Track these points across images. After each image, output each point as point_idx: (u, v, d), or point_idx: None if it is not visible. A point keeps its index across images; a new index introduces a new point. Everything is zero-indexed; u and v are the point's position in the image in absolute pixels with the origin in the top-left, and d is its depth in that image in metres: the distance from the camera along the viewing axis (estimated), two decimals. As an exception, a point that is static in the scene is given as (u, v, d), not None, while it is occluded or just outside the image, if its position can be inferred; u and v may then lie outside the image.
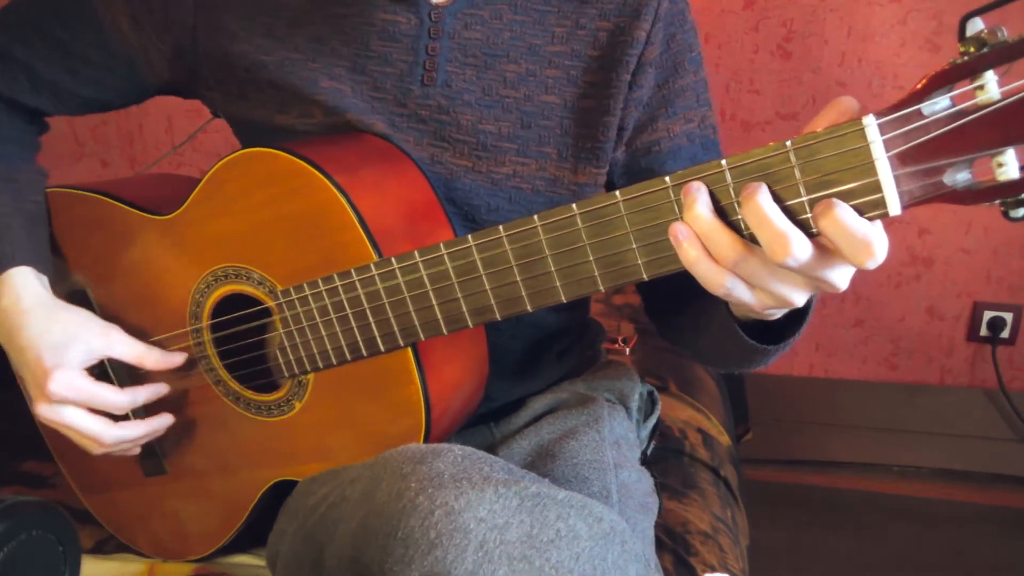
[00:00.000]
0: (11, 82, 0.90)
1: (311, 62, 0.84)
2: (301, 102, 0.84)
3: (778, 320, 0.70)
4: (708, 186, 0.58)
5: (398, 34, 0.83)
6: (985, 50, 0.50)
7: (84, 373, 0.83)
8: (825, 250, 0.57)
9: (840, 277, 0.58)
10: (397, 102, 0.84)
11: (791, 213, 0.56)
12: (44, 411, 0.83)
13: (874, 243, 0.54)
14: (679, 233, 0.59)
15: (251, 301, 0.83)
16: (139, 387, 0.86)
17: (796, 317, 0.71)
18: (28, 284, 0.84)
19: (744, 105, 1.90)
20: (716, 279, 0.60)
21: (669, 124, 0.86)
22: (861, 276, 2.11)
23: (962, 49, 0.51)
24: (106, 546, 1.00)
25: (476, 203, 0.85)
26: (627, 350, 1.50)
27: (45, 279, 0.86)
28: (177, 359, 0.87)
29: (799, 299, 0.60)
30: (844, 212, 0.54)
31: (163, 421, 0.88)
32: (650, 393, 1.04)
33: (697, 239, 0.59)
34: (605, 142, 0.85)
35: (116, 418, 0.85)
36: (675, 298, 0.87)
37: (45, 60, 0.88)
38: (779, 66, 1.87)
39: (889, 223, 0.55)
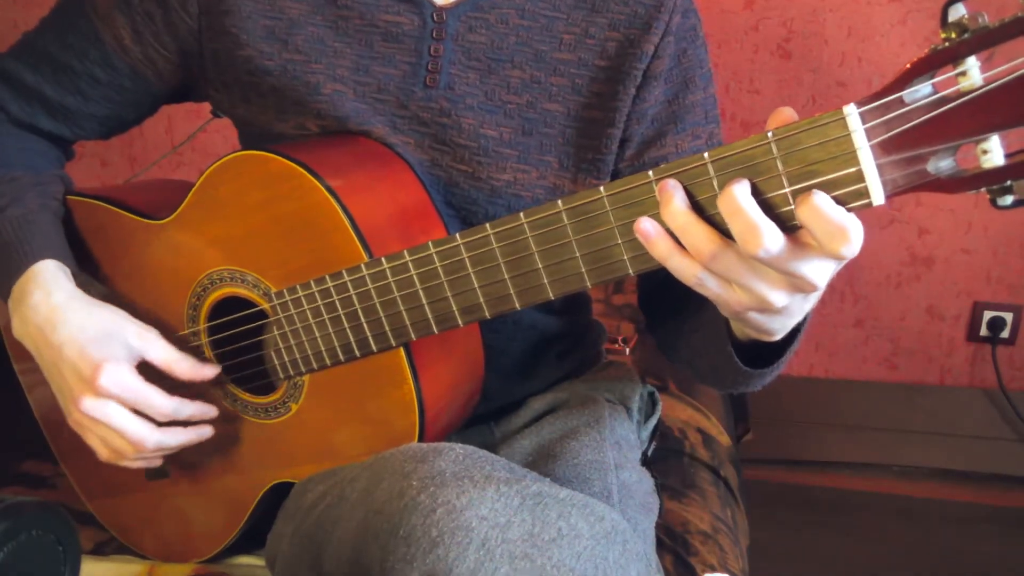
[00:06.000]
0: (27, 108, 0.91)
1: (313, 63, 0.84)
2: (299, 113, 0.84)
3: (773, 343, 0.69)
4: (685, 183, 0.58)
5: (401, 35, 0.83)
6: (966, 36, 0.50)
7: (134, 370, 0.80)
8: (799, 243, 0.56)
9: (816, 272, 0.57)
10: (399, 104, 0.84)
11: (774, 205, 0.56)
12: (88, 405, 0.78)
13: (850, 230, 0.53)
14: (647, 231, 0.59)
15: (247, 304, 0.83)
16: (188, 401, 0.82)
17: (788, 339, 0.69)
18: (56, 279, 0.82)
19: (744, 105, 1.90)
20: (690, 272, 0.59)
21: (678, 140, 0.86)
22: (861, 276, 2.10)
23: (943, 35, 0.51)
24: (106, 548, 1.00)
25: (474, 209, 0.85)
26: (627, 350, 1.50)
27: (69, 272, 0.85)
28: (209, 372, 0.83)
29: (777, 299, 0.59)
30: (822, 199, 0.54)
31: (203, 432, 0.84)
32: (651, 394, 1.04)
33: (667, 234, 0.59)
34: (607, 154, 0.85)
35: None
36: (670, 295, 0.86)
37: (53, 84, 0.89)
38: (779, 66, 1.87)
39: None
